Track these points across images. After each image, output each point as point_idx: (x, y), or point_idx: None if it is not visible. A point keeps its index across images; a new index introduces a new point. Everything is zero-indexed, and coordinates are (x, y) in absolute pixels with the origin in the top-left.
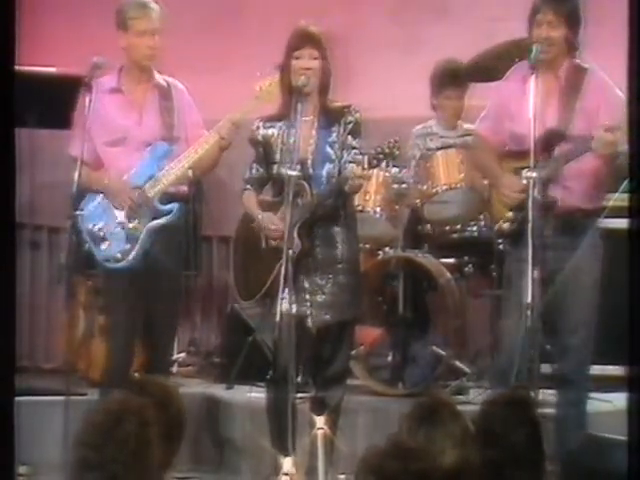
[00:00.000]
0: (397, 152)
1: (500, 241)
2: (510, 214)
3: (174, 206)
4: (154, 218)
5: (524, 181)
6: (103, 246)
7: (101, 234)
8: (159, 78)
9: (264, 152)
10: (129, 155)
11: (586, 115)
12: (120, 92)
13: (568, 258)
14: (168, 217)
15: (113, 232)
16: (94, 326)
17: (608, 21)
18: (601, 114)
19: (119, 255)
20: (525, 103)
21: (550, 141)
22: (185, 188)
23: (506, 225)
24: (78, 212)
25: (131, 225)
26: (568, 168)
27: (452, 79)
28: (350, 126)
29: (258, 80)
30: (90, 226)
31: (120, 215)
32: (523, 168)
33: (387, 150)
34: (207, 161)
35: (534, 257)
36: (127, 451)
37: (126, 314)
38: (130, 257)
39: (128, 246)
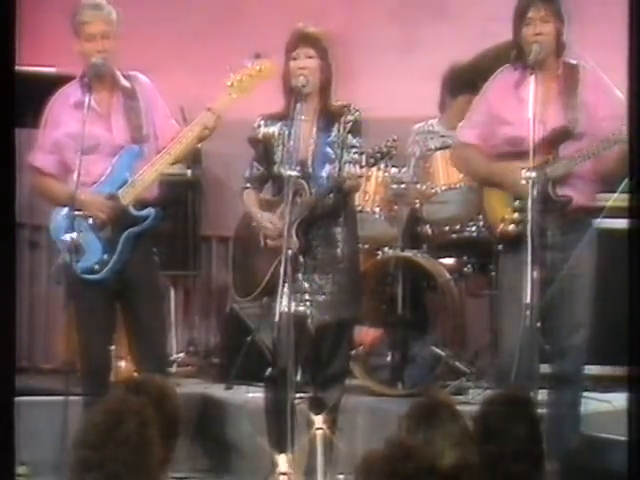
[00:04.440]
0: (394, 152)
1: (501, 244)
2: (515, 215)
3: (150, 211)
4: (130, 225)
5: (523, 181)
6: (79, 258)
7: (75, 245)
8: (122, 79)
9: (264, 151)
10: (102, 161)
11: (586, 111)
12: (88, 106)
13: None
14: (145, 224)
15: (88, 243)
16: None
17: (607, 21)
18: (600, 108)
19: (97, 267)
20: (522, 106)
21: (556, 140)
22: (160, 192)
23: (511, 227)
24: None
25: (107, 235)
26: (578, 166)
27: (471, 81)
28: (350, 125)
29: (228, 76)
30: (63, 238)
31: (94, 225)
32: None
33: (385, 149)
34: (183, 156)
35: (537, 257)
36: (127, 450)
37: (103, 324)
38: (108, 268)
39: (105, 256)
